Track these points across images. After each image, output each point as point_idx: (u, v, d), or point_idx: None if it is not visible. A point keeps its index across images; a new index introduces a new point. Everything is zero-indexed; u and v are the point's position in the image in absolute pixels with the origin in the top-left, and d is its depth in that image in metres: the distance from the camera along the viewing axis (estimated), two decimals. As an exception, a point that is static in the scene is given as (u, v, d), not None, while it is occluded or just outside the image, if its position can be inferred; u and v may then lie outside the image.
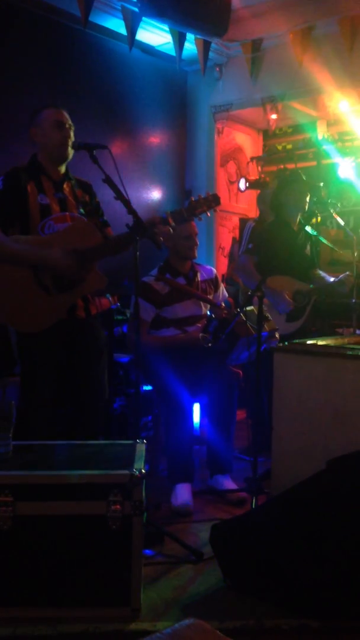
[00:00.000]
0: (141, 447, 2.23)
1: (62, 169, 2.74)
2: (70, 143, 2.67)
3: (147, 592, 2.09)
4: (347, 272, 3.64)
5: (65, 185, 2.73)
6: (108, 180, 2.45)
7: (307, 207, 3.75)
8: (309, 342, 2.82)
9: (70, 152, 2.69)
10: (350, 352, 2.55)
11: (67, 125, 2.69)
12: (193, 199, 2.72)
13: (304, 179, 3.77)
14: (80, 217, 2.71)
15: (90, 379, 2.76)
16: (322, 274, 3.77)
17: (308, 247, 3.77)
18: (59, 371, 2.70)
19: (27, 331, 2.63)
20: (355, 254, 4.03)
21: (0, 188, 2.60)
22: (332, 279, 3.67)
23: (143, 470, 1.97)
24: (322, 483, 2.00)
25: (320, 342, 2.79)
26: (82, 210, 2.72)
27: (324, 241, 4.08)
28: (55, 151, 2.68)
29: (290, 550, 2.00)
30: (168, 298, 3.29)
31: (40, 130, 2.68)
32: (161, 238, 2.60)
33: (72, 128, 2.71)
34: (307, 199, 3.71)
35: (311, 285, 3.62)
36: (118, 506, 1.92)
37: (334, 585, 1.93)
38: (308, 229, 3.77)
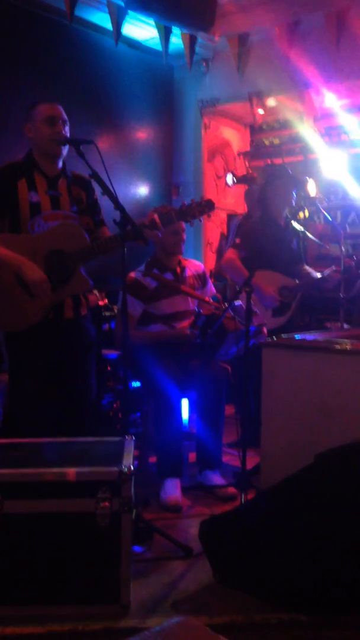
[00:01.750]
0: (130, 443, 2.23)
1: (58, 164, 2.70)
2: (62, 139, 2.62)
3: (136, 589, 2.09)
4: (333, 267, 3.65)
5: (60, 182, 2.69)
6: (95, 176, 2.43)
7: (293, 202, 3.75)
8: (297, 337, 2.83)
9: (62, 148, 2.65)
10: (338, 347, 2.56)
11: (60, 121, 2.64)
12: (185, 202, 2.67)
13: (291, 173, 3.77)
14: (71, 215, 2.68)
15: (77, 378, 2.75)
16: (309, 269, 3.78)
17: (295, 242, 3.78)
18: (47, 370, 2.69)
19: (9, 330, 2.63)
20: (343, 249, 4.05)
21: None
22: (318, 275, 3.68)
23: (132, 467, 1.96)
24: (310, 477, 2.01)
25: (308, 337, 2.80)
26: (75, 208, 2.69)
27: (311, 237, 4.09)
28: (45, 146, 2.64)
29: (279, 545, 2.01)
30: (156, 293, 3.28)
31: (33, 126, 2.65)
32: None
33: (66, 124, 2.67)
34: (294, 193, 3.72)
35: (297, 281, 3.63)
36: (107, 503, 1.91)
37: (323, 579, 1.93)
38: (295, 224, 3.78)
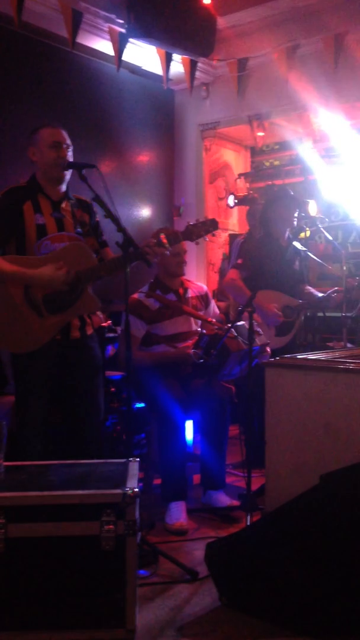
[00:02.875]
0: (134, 465, 2.22)
1: (62, 188, 2.73)
2: (65, 163, 2.66)
3: (142, 613, 2.06)
4: (335, 288, 3.67)
5: (63, 205, 2.72)
6: (97, 199, 2.46)
7: (295, 222, 3.78)
8: (300, 356, 2.83)
9: (66, 172, 2.69)
10: (342, 366, 2.55)
11: (64, 145, 2.67)
12: (190, 222, 2.73)
13: (292, 194, 3.80)
14: (77, 236, 2.70)
15: (85, 399, 2.74)
16: (311, 289, 3.79)
17: (297, 263, 3.79)
18: (53, 391, 2.68)
19: (17, 352, 2.62)
20: (344, 268, 4.06)
21: None
22: (320, 295, 3.69)
23: (136, 489, 1.95)
24: (315, 499, 1.99)
25: (311, 357, 2.80)
26: (79, 229, 2.71)
27: (313, 257, 4.12)
28: (50, 171, 2.67)
29: (285, 568, 1.98)
30: (158, 314, 3.29)
31: (37, 150, 2.67)
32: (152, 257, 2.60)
33: (70, 148, 2.70)
34: (295, 214, 3.74)
35: (299, 301, 3.64)
36: (111, 526, 1.90)
37: (331, 602, 1.91)
38: (296, 244, 3.80)
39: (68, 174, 2.70)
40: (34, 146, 2.69)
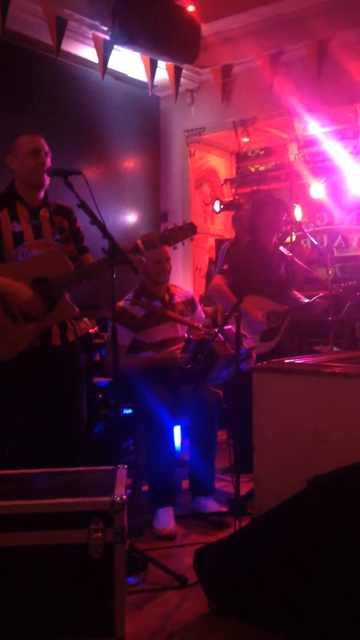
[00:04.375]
0: (122, 472, 2.21)
1: (40, 195, 2.73)
2: (45, 170, 2.66)
3: (131, 621, 2.05)
4: (320, 294, 3.70)
5: (42, 212, 2.72)
6: (83, 206, 2.45)
7: (282, 227, 3.80)
8: (287, 360, 2.84)
9: (45, 178, 2.68)
10: (328, 370, 2.56)
11: (42, 153, 2.68)
12: (168, 227, 2.71)
13: (279, 199, 3.82)
14: (54, 243, 2.70)
15: (67, 406, 2.72)
16: (297, 294, 3.81)
17: (283, 268, 3.81)
18: (36, 399, 2.67)
19: None
20: (330, 272, 4.09)
21: None
22: (305, 300, 3.71)
23: (124, 497, 1.94)
24: (303, 503, 2.00)
25: (298, 361, 2.81)
26: (58, 237, 2.71)
27: (299, 262, 4.15)
28: (29, 178, 2.67)
29: (274, 572, 1.99)
30: (144, 321, 3.28)
31: (16, 158, 2.67)
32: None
33: (49, 155, 2.70)
34: (282, 219, 3.77)
35: (285, 307, 3.66)
36: (100, 534, 1.89)
37: (321, 606, 1.91)
38: (282, 249, 3.82)
39: (47, 180, 2.69)
40: (12, 154, 2.69)
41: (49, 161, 2.70)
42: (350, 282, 4.21)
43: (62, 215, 2.77)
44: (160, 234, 2.70)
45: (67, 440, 2.72)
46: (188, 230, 2.70)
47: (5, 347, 2.57)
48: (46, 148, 2.70)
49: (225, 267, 3.76)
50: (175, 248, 2.76)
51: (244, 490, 2.85)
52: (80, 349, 2.84)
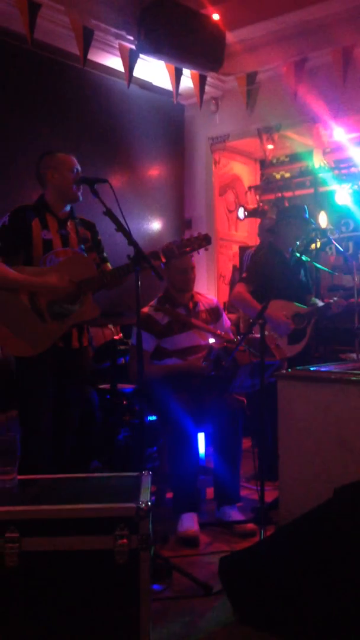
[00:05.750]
0: (147, 479, 2.21)
1: (67, 208, 2.88)
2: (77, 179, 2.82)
3: (156, 629, 2.05)
4: (335, 299, 3.70)
5: (69, 223, 2.87)
6: (109, 213, 2.50)
7: (301, 239, 3.82)
8: (312, 368, 2.82)
9: (80, 194, 2.84)
10: (354, 378, 2.54)
11: (78, 171, 2.85)
12: (185, 237, 2.91)
13: (307, 217, 3.80)
14: (79, 252, 2.85)
15: (70, 408, 2.85)
16: (316, 300, 3.82)
17: (302, 273, 3.81)
18: (53, 399, 2.78)
19: (19, 355, 2.72)
20: (356, 279, 4.06)
21: (6, 223, 2.74)
22: (321, 304, 3.73)
23: (149, 503, 1.94)
24: (330, 512, 1.98)
25: (323, 368, 2.79)
26: (82, 246, 2.87)
27: (319, 266, 4.13)
28: (68, 192, 2.82)
29: (300, 582, 1.96)
30: (168, 329, 3.30)
31: (58, 173, 2.81)
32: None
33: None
34: (303, 234, 3.79)
35: (309, 308, 3.66)
36: (125, 540, 1.89)
37: (348, 618, 1.89)
38: (300, 255, 3.81)
39: (80, 196, 2.84)
40: (52, 169, 2.82)
41: None
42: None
43: (86, 227, 2.94)
44: (178, 244, 2.89)
45: (61, 442, 2.82)
46: (203, 241, 2.94)
47: (32, 343, 2.69)
48: (78, 166, 2.87)
49: (244, 274, 3.78)
50: (192, 256, 2.99)
51: (268, 499, 2.83)
52: (90, 353, 3.01)
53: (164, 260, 2.80)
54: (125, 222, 2.48)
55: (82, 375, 2.91)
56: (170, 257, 2.84)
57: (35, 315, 2.68)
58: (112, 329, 3.95)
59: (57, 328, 2.72)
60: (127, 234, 2.48)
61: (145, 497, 1.98)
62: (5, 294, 2.66)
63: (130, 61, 4.71)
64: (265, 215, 5.35)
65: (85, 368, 2.94)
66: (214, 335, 3.36)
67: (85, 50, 4.39)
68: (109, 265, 2.97)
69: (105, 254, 2.99)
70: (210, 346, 3.16)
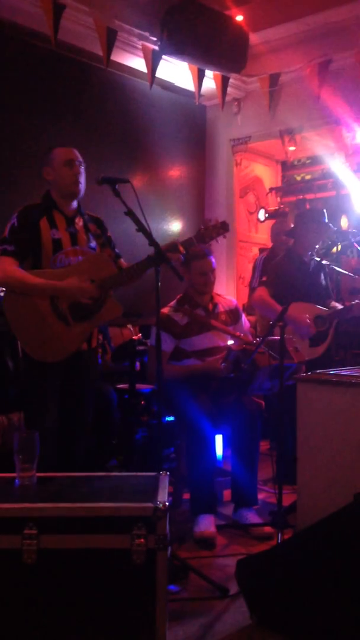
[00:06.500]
0: (164, 479, 2.21)
1: (74, 204, 2.82)
2: (80, 180, 2.74)
3: (171, 629, 2.05)
4: (357, 300, 3.67)
5: (77, 220, 2.81)
6: (130, 213, 2.48)
7: (319, 243, 3.79)
8: (332, 371, 2.79)
9: (81, 188, 2.76)
10: (375, 382, 2.51)
11: (76, 162, 2.76)
12: (202, 227, 2.80)
13: (327, 222, 3.77)
14: (90, 251, 2.78)
15: (81, 406, 2.80)
16: (335, 304, 3.80)
17: (322, 276, 3.78)
18: (58, 394, 2.75)
19: (47, 361, 2.67)
20: (377, 282, 4.02)
21: (15, 224, 2.69)
22: (340, 307, 3.71)
23: (167, 503, 1.94)
24: (350, 517, 1.96)
25: (343, 372, 2.76)
26: (94, 243, 2.81)
27: (338, 269, 4.09)
28: (66, 188, 2.75)
29: (318, 586, 1.95)
30: (187, 329, 3.29)
31: (52, 169, 2.76)
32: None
33: (83, 164, 2.78)
34: (321, 239, 3.76)
35: (331, 310, 3.64)
36: (142, 540, 1.89)
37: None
38: (318, 259, 3.78)
39: (82, 191, 2.76)
40: (48, 166, 2.77)
41: (83, 171, 2.77)
42: None
43: (95, 223, 2.87)
44: (196, 234, 2.79)
45: (69, 438, 2.78)
46: (221, 229, 2.82)
47: (57, 349, 2.66)
48: (80, 158, 2.78)
49: (264, 278, 3.76)
50: (209, 245, 2.88)
51: (286, 502, 2.81)
52: (98, 354, 2.96)
53: (182, 251, 2.70)
54: (146, 222, 2.47)
55: (91, 376, 2.84)
56: (189, 247, 2.75)
57: (58, 319, 2.65)
58: (131, 329, 3.96)
59: (82, 330, 2.69)
60: (148, 234, 2.47)
61: (163, 498, 1.98)
62: (26, 300, 2.63)
63: (153, 62, 4.72)
64: (286, 217, 5.33)
65: (93, 369, 2.87)
66: (233, 336, 3.34)
67: (109, 50, 4.41)
68: (122, 260, 2.91)
69: (117, 250, 2.92)
70: (229, 348, 3.15)
